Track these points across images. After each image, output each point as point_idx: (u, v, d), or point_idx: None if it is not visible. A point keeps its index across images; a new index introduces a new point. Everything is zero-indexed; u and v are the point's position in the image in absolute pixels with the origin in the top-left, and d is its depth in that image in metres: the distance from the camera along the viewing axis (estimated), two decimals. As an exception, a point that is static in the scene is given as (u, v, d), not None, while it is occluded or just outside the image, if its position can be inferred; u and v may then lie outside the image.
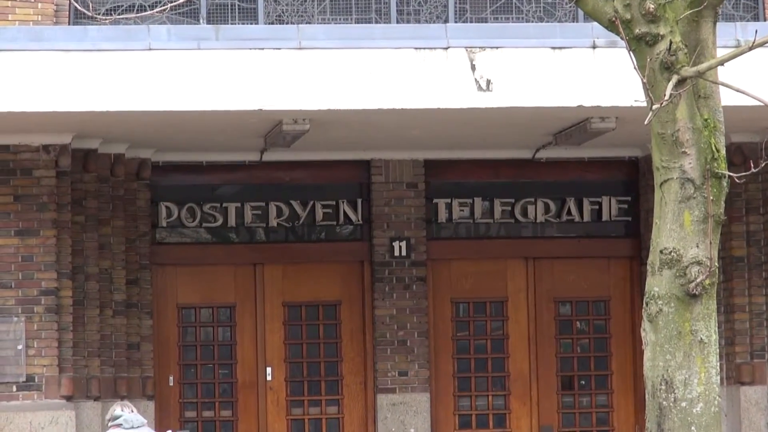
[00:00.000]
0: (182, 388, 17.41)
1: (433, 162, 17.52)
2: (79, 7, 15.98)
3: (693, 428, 10.02)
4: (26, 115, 14.66)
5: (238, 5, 16.97)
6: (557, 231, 18.01)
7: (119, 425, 14.36)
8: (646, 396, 9.92)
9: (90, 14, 15.11)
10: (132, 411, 14.50)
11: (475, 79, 14.33)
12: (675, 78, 9.77)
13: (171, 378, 17.34)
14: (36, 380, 15.85)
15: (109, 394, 15.83)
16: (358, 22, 16.98)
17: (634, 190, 17.79)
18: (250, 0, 16.98)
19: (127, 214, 16.79)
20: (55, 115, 14.77)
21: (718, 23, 10.18)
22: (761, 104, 9.79)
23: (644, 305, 9.99)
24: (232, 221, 17.53)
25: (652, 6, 9.90)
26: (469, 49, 14.43)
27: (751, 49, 9.69)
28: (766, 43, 9.86)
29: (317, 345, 17.59)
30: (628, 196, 17.92)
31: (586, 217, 17.98)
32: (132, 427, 14.34)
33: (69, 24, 16.15)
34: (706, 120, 10.02)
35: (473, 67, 14.37)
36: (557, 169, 17.67)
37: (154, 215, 17.27)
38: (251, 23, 16.79)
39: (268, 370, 17.48)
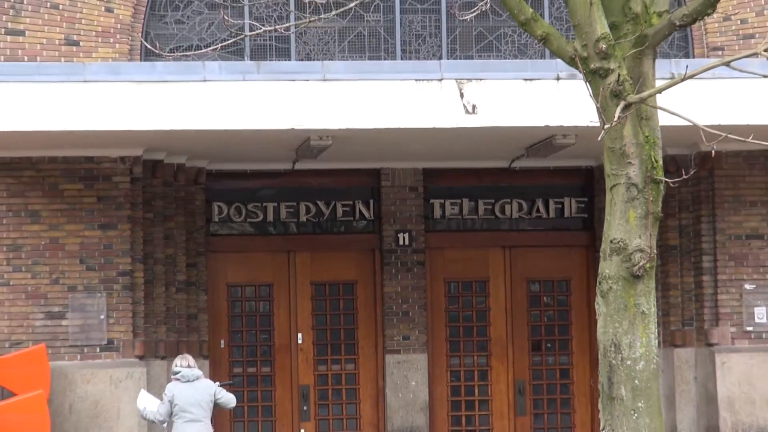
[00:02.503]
0: (231, 349, 17.42)
1: (430, 170, 17.51)
2: (148, 47, 15.97)
3: (636, 381, 10.02)
4: (107, 132, 14.68)
5: (275, 45, 16.96)
6: (528, 225, 17.99)
7: (178, 379, 14.38)
8: (599, 356, 9.92)
9: (157, 52, 15.06)
10: (189, 366, 14.48)
11: (463, 105, 14.31)
12: (622, 103, 9.77)
13: (222, 341, 17.35)
14: (115, 343, 15.88)
15: (173, 354, 15.84)
16: (370, 59, 16.98)
17: (590, 192, 17.78)
18: (284, 41, 16.97)
19: (186, 212, 16.81)
20: (129, 132, 14.78)
21: (656, 60, 10.19)
22: (690, 124, 9.79)
23: (598, 284, 10.00)
24: (270, 217, 17.54)
25: (604, 46, 9.90)
26: (458, 81, 14.42)
27: (682, 80, 9.69)
28: (694, 76, 9.87)
29: (338, 316, 17.59)
30: (585, 197, 17.90)
31: (552, 214, 17.96)
32: (188, 381, 14.34)
33: (141, 60, 16.16)
34: (647, 137, 10.02)
35: (462, 95, 14.36)
36: (528, 175, 17.65)
37: (209, 212, 17.28)
38: (285, 59, 16.79)
39: (299, 335, 17.49)
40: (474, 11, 11.88)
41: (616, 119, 9.76)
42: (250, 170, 17.22)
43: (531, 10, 10.38)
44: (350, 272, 17.61)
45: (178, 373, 14.23)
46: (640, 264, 10.00)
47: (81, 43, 16.00)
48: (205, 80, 14.41)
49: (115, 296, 15.85)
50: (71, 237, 15.88)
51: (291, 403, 17.41)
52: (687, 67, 12.04)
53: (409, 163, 17.29)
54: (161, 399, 14.13)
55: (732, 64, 10.23)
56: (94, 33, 16.05)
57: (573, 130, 14.74)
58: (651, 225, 10.09)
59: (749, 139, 10.43)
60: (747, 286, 16.75)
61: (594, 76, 10.01)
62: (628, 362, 10.04)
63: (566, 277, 17.93)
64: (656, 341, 10.08)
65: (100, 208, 15.92)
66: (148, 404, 14.27)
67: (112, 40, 16.10)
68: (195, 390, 14.29)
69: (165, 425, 14.53)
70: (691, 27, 16.37)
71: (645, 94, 9.92)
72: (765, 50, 10.29)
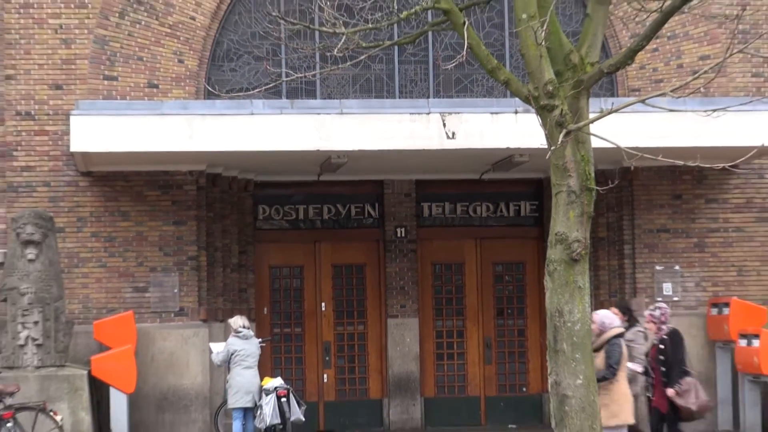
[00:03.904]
0: (272, 315, 17.44)
1: (421, 181, 17.53)
2: (209, 89, 16.02)
3: (575, 339, 10.01)
4: (179, 152, 14.73)
5: (305, 88, 16.99)
6: (494, 222, 18.00)
7: (238, 336, 14.52)
8: (547, 320, 9.92)
9: (216, 93, 15.07)
10: (245, 326, 14.66)
11: (445, 132, 14.33)
12: (564, 131, 9.78)
13: (265, 309, 17.37)
14: (185, 310, 15.93)
15: (228, 318, 15.88)
16: (376, 98, 16.99)
17: (540, 197, 17.79)
18: (311, 84, 17.00)
19: (238, 212, 16.84)
20: (195, 153, 14.83)
21: (590, 98, 10.20)
22: (615, 146, 9.81)
23: (546, 266, 9.99)
24: (301, 216, 17.56)
25: (551, 88, 9.90)
26: (441, 114, 14.44)
27: (609, 113, 9.71)
28: (617, 110, 9.88)
29: (351, 289, 17.61)
30: (536, 201, 17.91)
31: (511, 214, 17.98)
32: (246, 338, 14.52)
33: (204, 98, 16.19)
34: (582, 156, 10.02)
35: (444, 125, 14.37)
36: (494, 184, 17.66)
37: (255, 212, 17.30)
38: (312, 98, 16.81)
39: (323, 304, 17.51)
40: (453, 62, 11.89)
41: (559, 143, 9.77)
42: (286, 181, 17.23)
43: (496, 61, 10.38)
44: (361, 257, 17.62)
45: (239, 332, 14.44)
46: (577, 251, 10.01)
47: (159, 86, 16.03)
48: (252, 114, 14.44)
49: (185, 275, 15.89)
50: (152, 231, 15.92)
51: (316, 355, 17.43)
52: (612, 103, 12.04)
53: (404, 175, 17.30)
54: (225, 346, 14.63)
55: (646, 101, 10.24)
56: (169, 78, 16.08)
57: (527, 151, 14.76)
58: (585, 222, 10.09)
59: (659, 158, 10.44)
60: (657, 267, 16.79)
61: (543, 111, 10.02)
62: (569, 324, 10.04)
63: (522, 261, 17.94)
64: (589, 309, 10.08)
65: (174, 209, 15.96)
66: (215, 349, 14.78)
67: (182, 83, 16.13)
68: (249, 344, 14.55)
69: (222, 367, 14.78)
70: (615, 74, 16.39)
71: (581, 124, 9.93)
72: (671, 91, 10.30)
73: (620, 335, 11.35)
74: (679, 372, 12.19)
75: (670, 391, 12.13)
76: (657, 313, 12.46)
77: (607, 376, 11.15)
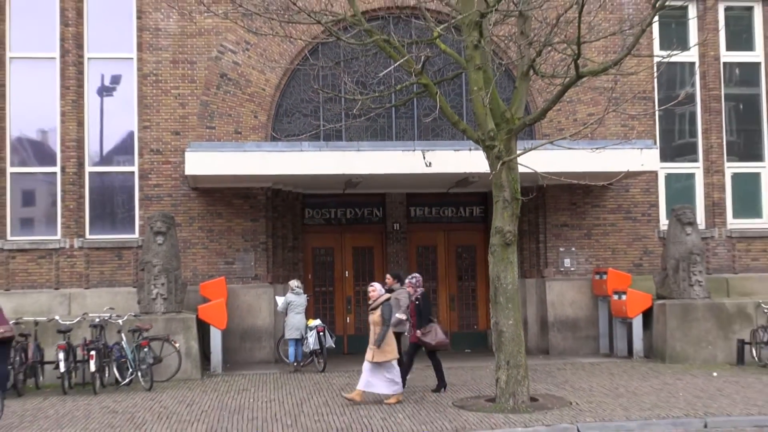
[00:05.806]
0: (314, 279, 17.43)
1: (410, 193, 17.51)
2: (274, 135, 16.03)
3: (507, 294, 10.05)
4: (255, 175, 14.71)
5: (334, 133, 16.98)
6: (457, 220, 17.96)
7: (293, 293, 14.54)
8: (490, 282, 9.96)
9: (278, 137, 15.05)
10: (298, 285, 14.64)
11: (425, 162, 14.33)
12: (501, 162, 9.82)
13: (309, 275, 17.36)
14: (257, 276, 15.91)
15: (286, 282, 15.86)
16: (380, 140, 16.97)
17: (486, 204, 17.76)
18: (339, 131, 16.97)
19: (293, 214, 16.82)
20: (265, 175, 14.83)
21: (518, 140, 10.23)
22: (533, 171, 9.82)
23: (489, 248, 10.03)
24: (333, 216, 17.53)
25: (492, 134, 9.94)
26: (423, 150, 14.44)
27: (530, 150, 9.73)
28: (534, 148, 9.90)
29: (365, 263, 17.57)
30: (483, 206, 17.88)
31: (467, 215, 17.95)
32: (298, 294, 14.52)
33: (270, 141, 16.20)
34: (513, 178, 10.06)
35: (424, 157, 14.36)
36: (457, 195, 17.64)
37: (303, 214, 17.27)
38: (339, 140, 16.78)
39: (346, 272, 17.49)
40: (430, 118, 11.95)
41: (497, 169, 9.80)
42: (323, 193, 17.23)
43: (457, 117, 10.43)
44: (371, 242, 17.60)
45: (294, 290, 14.49)
46: (509, 238, 10.04)
47: (242, 133, 16.04)
48: (301, 151, 14.45)
49: (258, 254, 15.89)
50: (237, 225, 15.91)
51: (342, 305, 17.40)
52: (532, 144, 12.02)
53: (399, 189, 17.29)
54: (285, 299, 14.66)
55: (554, 142, 10.26)
56: (248, 127, 16.09)
57: (478, 175, 14.76)
58: (514, 220, 10.13)
59: (562, 179, 10.47)
60: (561, 249, 16.78)
61: (487, 149, 10.06)
62: (504, 285, 10.08)
63: (474, 245, 17.91)
64: (517, 275, 10.12)
65: (251, 211, 15.96)
66: (279, 301, 14.70)
67: (257, 131, 16.14)
68: (300, 298, 14.57)
69: (282, 313, 14.76)
70: (534, 125, 16.36)
71: (512, 157, 9.96)
72: (570, 136, 10.32)
73: (388, 299, 11.35)
74: (426, 320, 12.07)
75: (417, 333, 12.04)
76: (414, 280, 12.42)
77: (385, 331, 11.08)
